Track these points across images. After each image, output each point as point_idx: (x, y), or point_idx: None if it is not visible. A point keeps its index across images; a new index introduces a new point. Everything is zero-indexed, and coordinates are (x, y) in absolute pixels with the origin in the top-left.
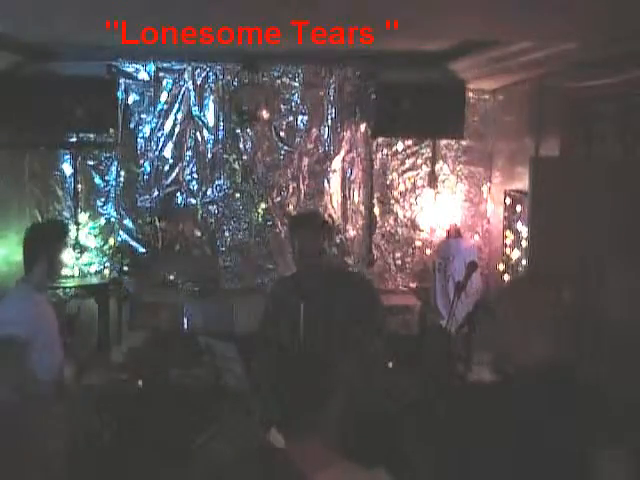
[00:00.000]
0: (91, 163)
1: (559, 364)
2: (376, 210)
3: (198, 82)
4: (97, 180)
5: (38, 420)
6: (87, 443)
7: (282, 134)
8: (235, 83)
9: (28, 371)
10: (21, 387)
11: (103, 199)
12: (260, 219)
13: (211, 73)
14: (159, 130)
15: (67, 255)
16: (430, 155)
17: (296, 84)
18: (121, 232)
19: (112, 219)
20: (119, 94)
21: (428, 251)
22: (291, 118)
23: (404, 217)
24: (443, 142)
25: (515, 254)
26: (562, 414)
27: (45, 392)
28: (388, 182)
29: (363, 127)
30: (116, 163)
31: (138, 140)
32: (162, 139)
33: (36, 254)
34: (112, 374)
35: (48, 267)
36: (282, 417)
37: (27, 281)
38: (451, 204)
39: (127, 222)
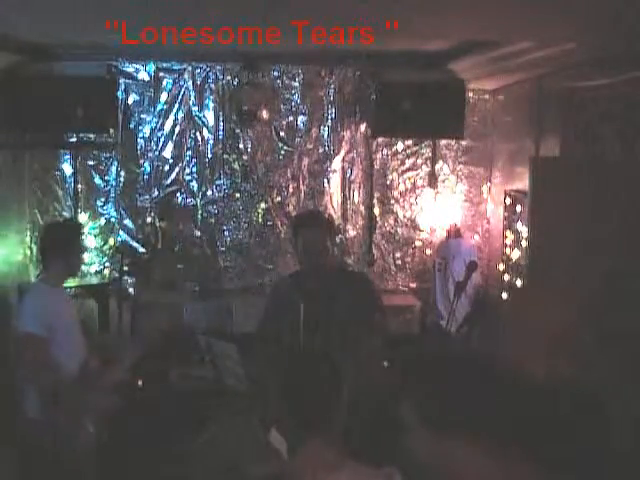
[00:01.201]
0: (91, 163)
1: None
2: (376, 210)
3: (198, 82)
4: (97, 180)
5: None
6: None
7: (282, 134)
8: (235, 83)
9: (46, 364)
10: (39, 379)
11: (103, 199)
12: (260, 219)
13: (211, 73)
14: (159, 130)
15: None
16: (430, 155)
17: (296, 84)
18: (121, 232)
19: (112, 219)
20: (119, 94)
21: (428, 251)
22: (291, 118)
23: (404, 217)
24: (443, 142)
25: (515, 254)
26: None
27: (68, 382)
28: (388, 182)
29: (363, 127)
30: (116, 163)
31: (138, 140)
32: (162, 139)
33: (52, 253)
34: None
35: (64, 265)
36: (288, 418)
37: (43, 279)
38: (451, 204)
39: (127, 222)
